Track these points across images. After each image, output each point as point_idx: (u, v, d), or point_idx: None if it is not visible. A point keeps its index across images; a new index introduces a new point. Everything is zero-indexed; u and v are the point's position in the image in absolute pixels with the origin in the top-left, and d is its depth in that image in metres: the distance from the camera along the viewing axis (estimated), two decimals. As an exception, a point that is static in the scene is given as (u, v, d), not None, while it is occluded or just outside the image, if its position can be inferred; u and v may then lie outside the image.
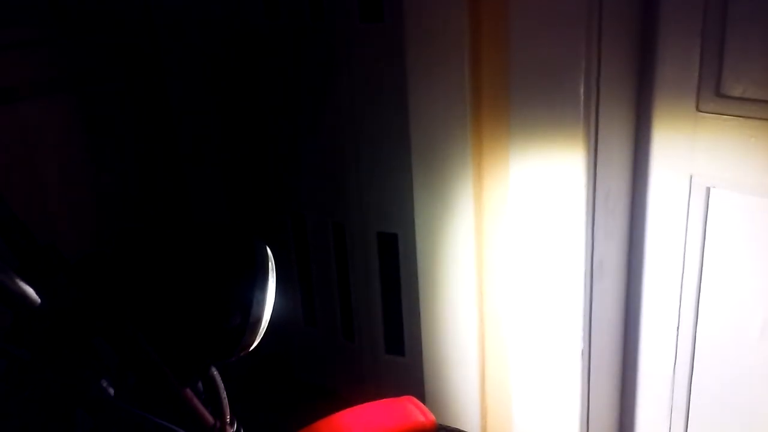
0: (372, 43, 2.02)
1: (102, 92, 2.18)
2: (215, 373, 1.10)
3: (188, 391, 1.01)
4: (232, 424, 1.10)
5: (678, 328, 1.73)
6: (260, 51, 2.27)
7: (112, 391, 0.92)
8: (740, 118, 1.52)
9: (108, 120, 2.22)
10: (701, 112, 1.56)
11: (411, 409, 1.40)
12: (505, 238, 1.75)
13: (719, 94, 1.53)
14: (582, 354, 1.73)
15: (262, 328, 1.01)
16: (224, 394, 1.10)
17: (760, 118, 1.49)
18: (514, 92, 1.61)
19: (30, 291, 0.87)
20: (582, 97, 1.53)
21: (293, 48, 2.19)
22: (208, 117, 2.36)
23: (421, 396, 2.00)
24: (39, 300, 0.88)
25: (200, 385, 1.06)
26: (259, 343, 1.03)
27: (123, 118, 2.25)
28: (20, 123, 2.04)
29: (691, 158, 1.60)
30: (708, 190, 1.60)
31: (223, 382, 1.11)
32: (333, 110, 2.16)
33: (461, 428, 1.53)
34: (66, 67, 2.11)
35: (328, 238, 2.35)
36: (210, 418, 1.05)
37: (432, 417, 1.40)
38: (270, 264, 1.03)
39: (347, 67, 2.08)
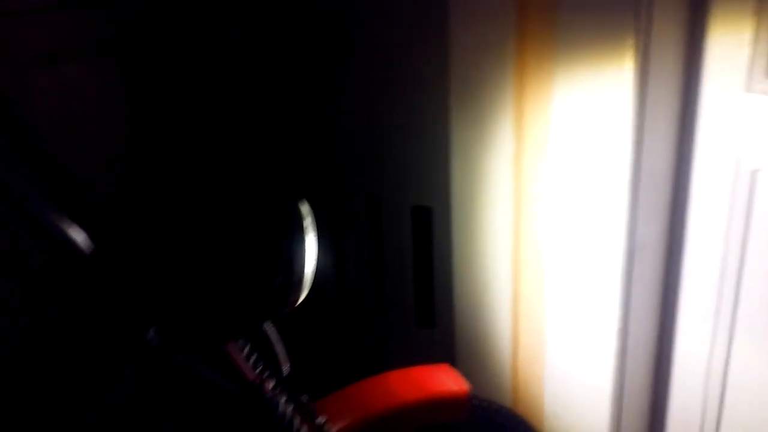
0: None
1: (141, 54, 2.20)
2: (270, 328, 1.12)
3: (231, 345, 1.03)
4: (269, 382, 1.11)
5: (716, 314, 1.71)
6: (294, 14, 2.26)
7: (158, 340, 0.93)
8: (791, 100, 1.49)
9: (147, 81, 2.24)
10: (750, 92, 1.53)
11: (446, 376, 1.41)
12: (543, 212, 1.74)
13: (771, 75, 1.50)
14: (618, 333, 1.72)
15: (306, 284, 1.02)
16: (280, 348, 1.12)
17: (813, 101, 1.46)
18: (557, 67, 1.59)
19: (84, 239, 0.89)
20: (630, 73, 1.51)
21: (325, 14, 2.17)
22: (246, 80, 2.37)
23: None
24: (90, 248, 0.90)
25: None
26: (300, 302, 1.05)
27: (162, 79, 2.26)
28: (61, 84, 2.07)
29: (739, 140, 1.58)
30: (755, 173, 1.57)
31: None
32: (367, 80, 2.15)
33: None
34: (104, 28, 2.14)
35: (362, 210, 2.35)
36: (251, 374, 1.06)
37: (466, 385, 1.41)
38: (308, 221, 1.05)
39: (386, 28, 2.05)
